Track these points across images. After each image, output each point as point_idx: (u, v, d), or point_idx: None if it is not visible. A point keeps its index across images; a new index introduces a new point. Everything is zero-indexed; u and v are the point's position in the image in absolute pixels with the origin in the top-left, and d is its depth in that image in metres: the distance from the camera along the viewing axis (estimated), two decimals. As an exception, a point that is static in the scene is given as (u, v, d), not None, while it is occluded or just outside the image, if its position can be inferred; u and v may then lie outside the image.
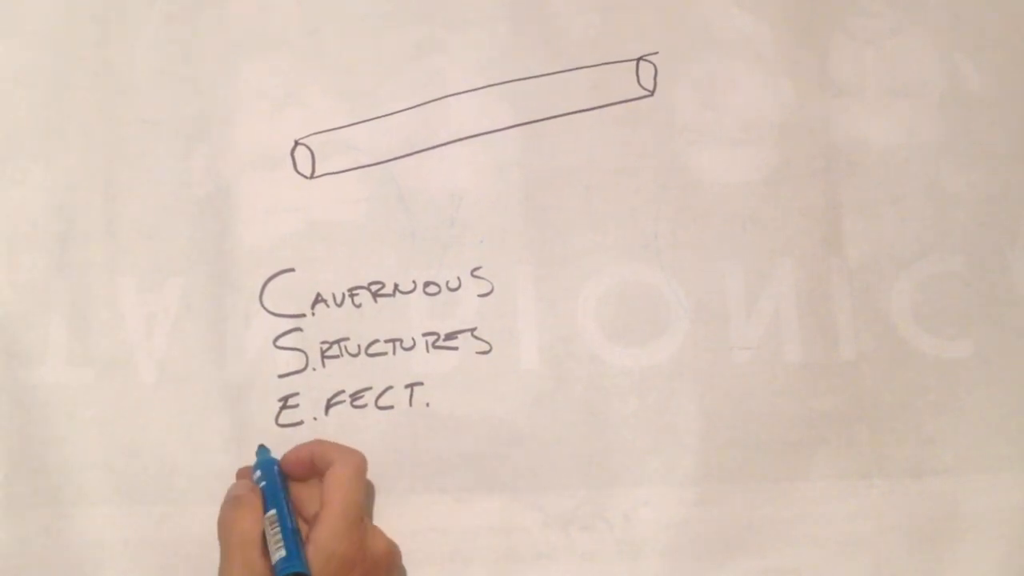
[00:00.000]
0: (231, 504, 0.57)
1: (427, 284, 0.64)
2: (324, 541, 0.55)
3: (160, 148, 0.66)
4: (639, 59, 0.67)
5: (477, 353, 0.63)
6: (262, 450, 0.60)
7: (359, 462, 0.58)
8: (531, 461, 0.62)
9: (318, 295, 0.64)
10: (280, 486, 0.58)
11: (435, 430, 0.62)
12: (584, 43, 0.67)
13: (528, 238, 0.64)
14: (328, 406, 0.62)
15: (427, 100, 0.66)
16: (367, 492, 0.60)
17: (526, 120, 0.66)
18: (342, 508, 0.56)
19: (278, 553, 0.55)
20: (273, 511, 0.56)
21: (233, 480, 0.61)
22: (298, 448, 0.60)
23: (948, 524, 0.62)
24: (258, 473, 0.59)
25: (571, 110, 0.66)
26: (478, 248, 0.64)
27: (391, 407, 0.62)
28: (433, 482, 0.62)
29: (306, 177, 0.65)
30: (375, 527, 0.59)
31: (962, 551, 0.61)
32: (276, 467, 0.59)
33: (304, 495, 0.58)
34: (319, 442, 0.60)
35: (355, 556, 0.55)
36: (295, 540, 0.55)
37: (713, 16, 0.67)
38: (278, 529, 0.56)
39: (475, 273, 0.64)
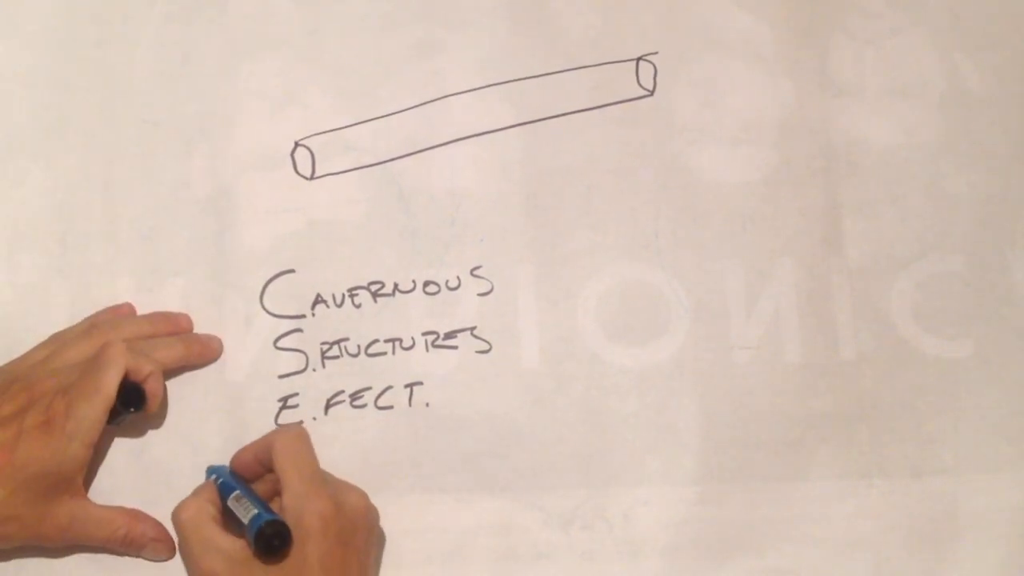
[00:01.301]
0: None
1: (427, 283, 0.64)
2: (291, 503, 0.55)
3: (160, 148, 0.66)
4: (639, 59, 0.67)
5: (477, 352, 0.63)
6: (210, 468, 0.60)
7: (297, 430, 0.58)
8: (531, 461, 0.62)
9: (318, 295, 0.64)
10: (237, 478, 0.58)
11: (435, 430, 0.62)
12: (584, 43, 0.67)
13: (528, 237, 0.64)
14: (328, 406, 0.62)
15: (427, 100, 0.66)
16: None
17: (526, 120, 0.66)
18: (295, 470, 0.56)
19: (250, 514, 0.55)
20: (236, 491, 0.57)
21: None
22: (242, 450, 0.59)
23: (948, 524, 0.61)
24: (213, 476, 0.59)
25: (571, 110, 0.66)
26: (478, 247, 0.64)
27: (391, 407, 0.62)
28: (433, 482, 0.62)
29: (306, 178, 0.65)
30: (346, 483, 0.58)
31: (962, 551, 0.61)
32: (228, 468, 0.59)
33: (265, 487, 0.58)
34: (256, 440, 0.59)
35: (327, 511, 0.54)
36: (265, 504, 0.56)
37: (713, 16, 0.67)
38: (245, 500, 0.56)
39: (475, 272, 0.64)
